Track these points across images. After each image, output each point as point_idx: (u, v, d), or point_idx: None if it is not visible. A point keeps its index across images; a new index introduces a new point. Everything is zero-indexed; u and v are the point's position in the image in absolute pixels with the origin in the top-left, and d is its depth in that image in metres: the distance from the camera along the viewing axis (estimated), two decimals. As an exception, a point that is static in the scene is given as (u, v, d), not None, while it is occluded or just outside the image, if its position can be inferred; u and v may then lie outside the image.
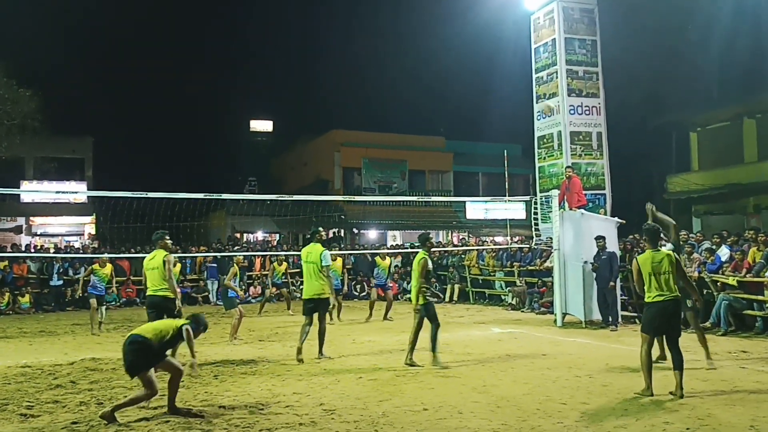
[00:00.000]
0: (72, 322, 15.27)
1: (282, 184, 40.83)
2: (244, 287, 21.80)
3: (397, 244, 32.31)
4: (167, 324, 6.90)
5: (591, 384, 7.77)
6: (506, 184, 19.27)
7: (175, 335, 6.73)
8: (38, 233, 33.51)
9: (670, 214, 27.32)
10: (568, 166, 14.91)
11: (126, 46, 65.56)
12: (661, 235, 8.54)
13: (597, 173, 15.89)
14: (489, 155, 35.62)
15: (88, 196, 32.65)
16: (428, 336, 9.13)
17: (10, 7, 27.72)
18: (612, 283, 13.10)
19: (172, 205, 16.04)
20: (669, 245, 9.26)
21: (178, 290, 9.31)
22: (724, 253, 13.25)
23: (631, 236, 15.91)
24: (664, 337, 7.58)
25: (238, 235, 32.85)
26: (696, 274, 12.73)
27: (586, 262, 13.51)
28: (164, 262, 9.06)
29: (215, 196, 13.70)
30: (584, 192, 14.63)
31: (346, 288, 17.81)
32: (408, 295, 21.59)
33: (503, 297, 19.02)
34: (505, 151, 24.62)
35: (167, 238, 9.46)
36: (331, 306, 10.59)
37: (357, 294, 21.93)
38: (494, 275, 19.98)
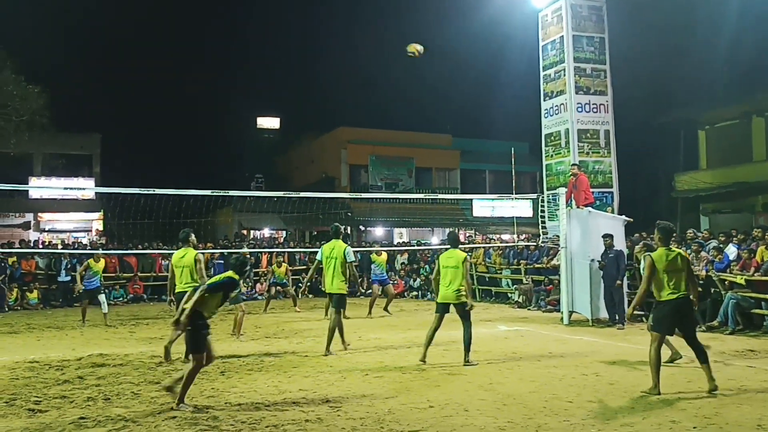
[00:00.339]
0: (79, 318, 15.31)
1: (289, 181, 40.86)
2: (250, 284, 21.87)
3: (403, 242, 32.29)
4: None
5: (598, 382, 7.75)
6: (513, 181, 19.26)
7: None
8: (46, 229, 33.63)
9: (678, 212, 27.45)
10: (573, 164, 14.85)
11: (133, 43, 65.69)
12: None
13: (604, 171, 15.84)
14: (496, 153, 35.58)
15: (96, 193, 32.77)
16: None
17: (19, 5, 27.84)
18: (619, 282, 13.06)
19: (179, 202, 16.11)
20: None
21: None
22: (731, 251, 13.19)
23: (637, 234, 15.86)
24: (673, 335, 7.53)
25: (244, 231, 32.87)
26: (703, 272, 12.69)
27: (593, 260, 13.48)
28: (196, 260, 9.65)
29: (222, 192, 13.73)
30: (591, 190, 14.59)
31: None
32: (415, 292, 21.66)
33: (510, 295, 18.99)
34: (512, 148, 24.56)
35: (193, 235, 10.07)
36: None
37: (363, 291, 21.93)
38: (501, 273, 19.95)
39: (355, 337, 11.61)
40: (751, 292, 12.15)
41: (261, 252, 22.74)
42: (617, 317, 12.97)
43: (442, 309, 9.22)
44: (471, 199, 34.85)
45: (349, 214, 32.79)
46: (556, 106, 16.03)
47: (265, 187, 38.09)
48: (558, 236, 14.51)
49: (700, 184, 26.79)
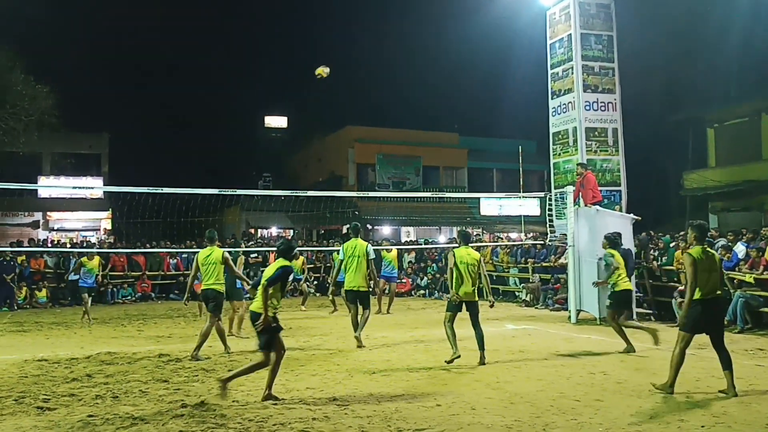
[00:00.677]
0: (85, 317, 15.39)
1: (296, 180, 40.91)
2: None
3: (410, 240, 32.26)
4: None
5: (605, 381, 7.74)
6: (521, 180, 19.22)
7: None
8: (55, 228, 33.79)
9: (687, 210, 27.33)
10: (578, 164, 14.80)
11: (142, 44, 65.84)
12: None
13: (612, 169, 15.76)
14: (503, 151, 35.49)
15: (105, 192, 32.89)
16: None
17: (28, 5, 27.91)
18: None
19: (187, 201, 16.17)
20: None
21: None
22: (740, 250, 13.13)
23: (645, 233, 15.81)
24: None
25: (252, 230, 32.93)
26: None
27: (600, 259, 13.42)
28: (224, 258, 10.04)
29: (230, 191, 13.76)
30: (599, 188, 14.54)
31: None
32: (422, 291, 21.65)
33: (517, 293, 18.97)
34: (520, 147, 24.52)
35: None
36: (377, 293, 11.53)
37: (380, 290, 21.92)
38: (508, 271, 19.92)
39: (363, 336, 11.60)
40: (760, 291, 12.10)
41: (269, 251, 22.74)
42: (625, 316, 12.89)
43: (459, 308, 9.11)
44: (478, 198, 34.77)
45: (357, 212, 32.79)
46: (564, 104, 15.97)
47: (272, 186, 38.14)
48: (565, 235, 14.46)
49: (708, 183, 26.65)
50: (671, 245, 14.91)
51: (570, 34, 15.75)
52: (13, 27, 27.35)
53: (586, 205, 14.06)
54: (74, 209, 33.94)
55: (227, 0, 72.60)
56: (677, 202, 29.87)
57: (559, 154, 16.27)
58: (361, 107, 55.70)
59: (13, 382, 7.97)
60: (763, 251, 12.53)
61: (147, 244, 21.81)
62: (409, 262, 23.27)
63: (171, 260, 21.53)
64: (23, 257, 19.67)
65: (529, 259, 18.77)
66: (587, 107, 15.53)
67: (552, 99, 16.39)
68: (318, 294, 20.80)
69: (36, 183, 30.74)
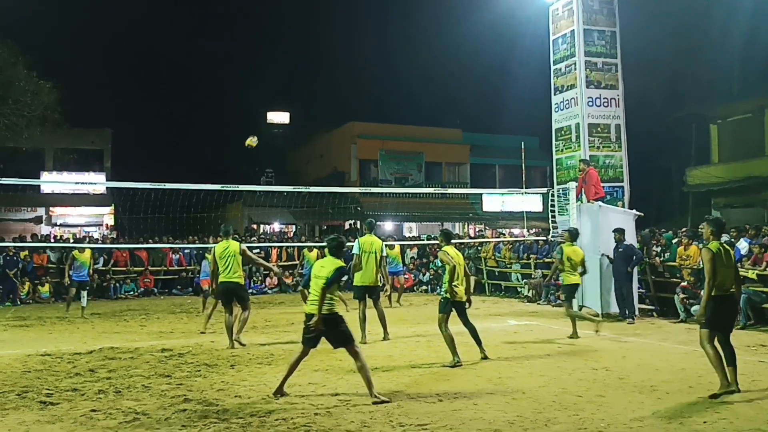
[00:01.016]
0: (90, 311, 15.43)
1: (299, 176, 40.88)
2: (260, 278, 21.93)
3: (413, 236, 32.28)
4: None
5: (607, 377, 7.74)
6: (523, 176, 19.17)
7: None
8: (58, 223, 33.87)
9: (689, 206, 27.29)
10: (581, 160, 14.78)
11: (144, 40, 65.89)
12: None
13: (615, 166, 15.75)
14: (506, 147, 35.44)
15: (107, 187, 32.95)
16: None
17: (31, 1, 27.95)
18: (629, 269, 12.99)
19: (189, 196, 16.17)
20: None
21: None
22: (743, 246, 13.10)
23: (647, 229, 15.78)
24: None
25: (254, 226, 32.97)
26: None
27: (603, 255, 13.44)
28: (242, 250, 10.34)
29: (232, 187, 13.78)
30: (602, 184, 14.52)
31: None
32: (424, 287, 21.65)
33: (519, 289, 18.96)
34: (522, 143, 24.44)
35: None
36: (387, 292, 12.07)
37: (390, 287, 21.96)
38: (511, 267, 19.92)
39: (368, 332, 11.62)
40: (762, 287, 12.09)
41: (271, 246, 22.78)
42: (627, 312, 12.92)
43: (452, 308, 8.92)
44: (481, 194, 34.80)
45: (359, 208, 32.81)
46: (567, 100, 15.95)
47: (275, 182, 38.18)
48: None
49: (711, 179, 26.58)
50: (673, 241, 14.89)
51: (573, 30, 15.71)
52: (17, 22, 27.38)
53: (588, 201, 14.04)
54: (77, 205, 34.01)
55: (230, -5, 72.57)
56: (680, 198, 29.83)
57: (562, 150, 16.25)
58: (364, 103, 55.68)
59: (16, 377, 8.00)
60: (765, 247, 12.51)
61: (149, 240, 21.84)
62: (412, 257, 23.27)
63: (173, 256, 21.54)
64: (26, 252, 19.68)
65: (531, 255, 18.75)
66: (590, 103, 15.51)
67: (555, 95, 16.37)
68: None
69: (39, 178, 30.82)
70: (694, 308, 11.99)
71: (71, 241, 25.29)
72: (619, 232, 13.12)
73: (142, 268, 20.97)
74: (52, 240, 26.28)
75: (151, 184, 12.52)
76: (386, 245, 16.88)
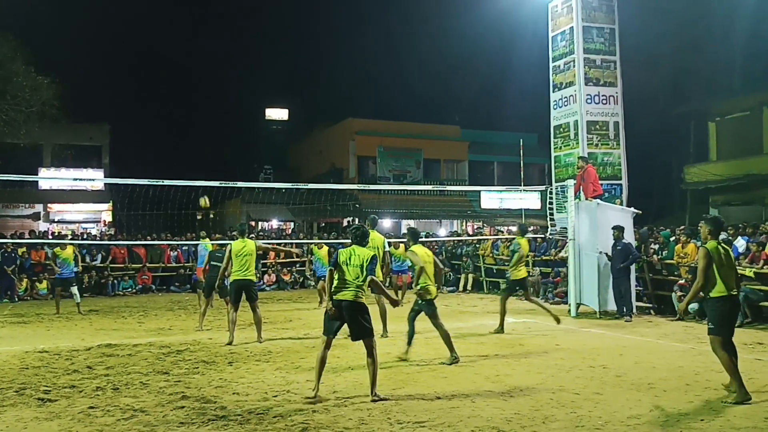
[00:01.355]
0: (88, 308, 15.43)
1: (297, 173, 40.91)
2: (258, 275, 21.90)
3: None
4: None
5: (605, 374, 7.75)
6: (521, 173, 19.20)
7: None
8: (56, 220, 33.84)
9: (688, 204, 27.31)
10: (579, 157, 14.78)
11: (143, 35, 65.74)
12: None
13: (613, 163, 15.74)
14: (504, 144, 35.46)
15: (105, 184, 32.91)
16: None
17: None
18: (622, 266, 13.00)
19: (188, 193, 16.15)
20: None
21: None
22: (741, 244, 13.12)
23: (645, 227, 15.79)
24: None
25: (253, 223, 32.98)
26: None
27: (601, 253, 13.45)
28: (258, 246, 10.65)
29: (231, 184, 13.76)
30: (600, 182, 14.52)
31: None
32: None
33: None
34: (521, 140, 24.50)
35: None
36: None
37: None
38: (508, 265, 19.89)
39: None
40: (760, 285, 12.10)
41: (284, 243, 22.74)
42: (625, 309, 12.93)
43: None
44: (479, 191, 34.77)
45: (357, 205, 32.80)
46: (566, 97, 15.93)
47: (273, 179, 38.18)
48: (566, 228, 14.46)
49: (709, 176, 26.60)
50: (671, 239, 14.91)
51: (572, 27, 15.69)
52: (15, 18, 27.33)
53: (586, 199, 14.04)
54: (75, 201, 33.96)
55: (229, -8, 72.44)
56: (678, 195, 29.83)
57: (560, 148, 16.25)
58: (363, 99, 55.76)
59: (14, 374, 7.99)
60: (763, 245, 12.52)
61: (148, 236, 21.82)
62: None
63: (172, 252, 21.52)
64: (24, 249, 19.66)
65: (529, 253, 18.73)
66: (589, 100, 15.49)
67: (553, 92, 16.36)
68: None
69: (37, 174, 30.80)
70: (692, 306, 12.02)
71: (69, 237, 25.29)
72: (618, 230, 13.12)
73: (140, 265, 20.94)
74: (50, 236, 26.22)
75: (149, 181, 12.49)
76: (389, 243, 16.98)
